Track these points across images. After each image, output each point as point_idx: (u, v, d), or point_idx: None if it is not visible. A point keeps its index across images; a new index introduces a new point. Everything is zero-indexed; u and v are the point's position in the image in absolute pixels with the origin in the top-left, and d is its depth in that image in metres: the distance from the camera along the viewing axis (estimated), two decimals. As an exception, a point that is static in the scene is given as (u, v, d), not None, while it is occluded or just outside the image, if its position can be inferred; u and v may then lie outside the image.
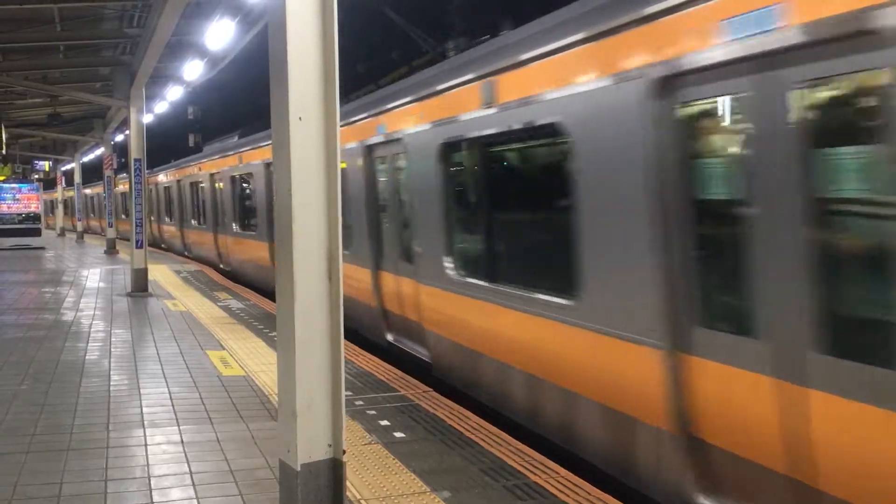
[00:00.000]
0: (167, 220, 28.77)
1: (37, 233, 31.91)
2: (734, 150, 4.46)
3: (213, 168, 20.62)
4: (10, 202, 31.87)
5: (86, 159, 39.38)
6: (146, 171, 16.86)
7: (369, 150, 10.17)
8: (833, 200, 3.93)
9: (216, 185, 20.43)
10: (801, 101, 3.93)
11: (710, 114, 4.67)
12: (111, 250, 27.63)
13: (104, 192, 29.53)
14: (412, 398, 7.37)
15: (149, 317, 12.64)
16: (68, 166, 42.66)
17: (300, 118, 4.35)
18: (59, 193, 46.16)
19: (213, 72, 16.88)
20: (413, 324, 9.08)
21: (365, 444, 6.00)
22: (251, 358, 9.26)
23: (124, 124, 21.31)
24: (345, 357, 4.47)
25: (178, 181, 25.76)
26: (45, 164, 41.60)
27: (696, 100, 4.63)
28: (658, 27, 4.76)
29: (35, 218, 32.33)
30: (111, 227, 28.79)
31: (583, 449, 5.80)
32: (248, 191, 17.86)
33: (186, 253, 25.56)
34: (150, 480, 5.33)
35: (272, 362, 8.82)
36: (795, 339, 3.96)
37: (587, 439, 5.74)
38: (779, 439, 4.10)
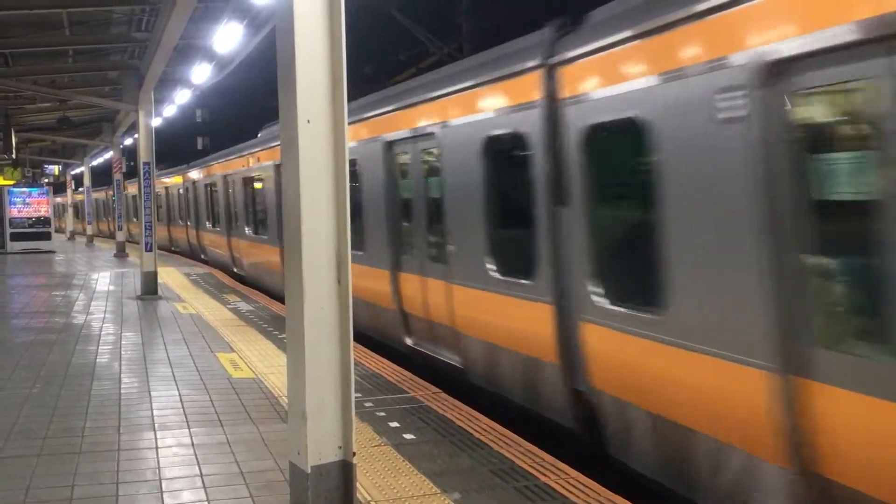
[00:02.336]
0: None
1: (47, 236, 32.05)
2: (404, 176, 9.61)
3: None
4: (20, 206, 31.99)
5: (95, 163, 39.53)
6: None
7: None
8: (434, 199, 8.62)
9: None
10: (410, 155, 9.24)
11: (400, 159, 9.70)
12: (121, 253, 27.76)
13: (114, 196, 29.60)
14: (422, 400, 7.38)
15: (159, 320, 12.69)
16: (78, 170, 42.83)
17: (308, 121, 4.36)
18: (69, 197, 46.37)
19: (222, 75, 16.91)
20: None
21: (375, 446, 6.01)
22: (261, 360, 9.29)
23: (133, 128, 21.36)
24: (354, 359, 4.48)
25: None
26: (55, 168, 41.73)
27: (398, 153, 9.68)
28: (386, 118, 9.82)
29: (45, 222, 32.43)
30: (121, 230, 28.91)
31: (372, 331, 10.43)
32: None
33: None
34: (161, 483, 5.35)
35: (282, 364, 8.84)
36: (419, 255, 9.00)
37: (372, 325, 10.43)
38: (421, 302, 8.92)
